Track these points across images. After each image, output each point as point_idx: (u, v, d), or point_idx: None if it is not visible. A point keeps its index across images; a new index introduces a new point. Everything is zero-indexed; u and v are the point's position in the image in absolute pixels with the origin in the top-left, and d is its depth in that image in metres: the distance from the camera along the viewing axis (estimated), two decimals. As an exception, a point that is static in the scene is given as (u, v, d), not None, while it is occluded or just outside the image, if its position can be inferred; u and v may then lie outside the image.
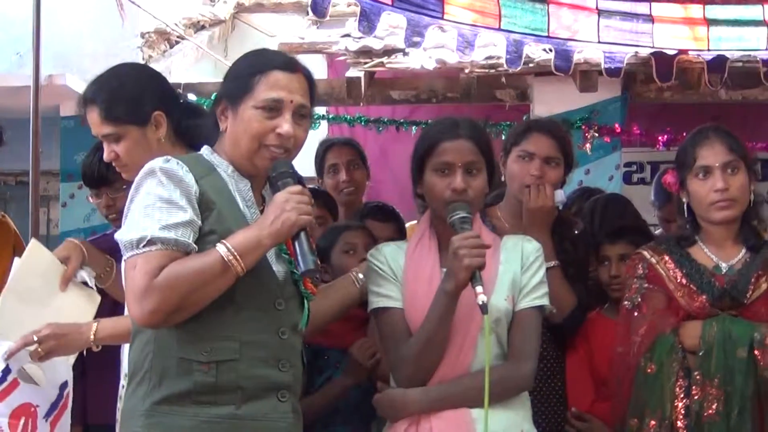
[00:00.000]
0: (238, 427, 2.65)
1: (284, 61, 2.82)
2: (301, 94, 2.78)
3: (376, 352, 3.65)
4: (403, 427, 3.06)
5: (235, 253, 2.58)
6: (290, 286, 2.79)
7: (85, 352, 3.44)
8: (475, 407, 2.99)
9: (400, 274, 3.15)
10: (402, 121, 6.81)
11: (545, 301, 3.17)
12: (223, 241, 2.60)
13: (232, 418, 2.64)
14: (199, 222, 2.64)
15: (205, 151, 2.82)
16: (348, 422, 3.75)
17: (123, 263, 2.68)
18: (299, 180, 2.79)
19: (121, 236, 2.64)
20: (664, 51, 5.82)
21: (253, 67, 2.78)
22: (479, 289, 2.88)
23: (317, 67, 7.54)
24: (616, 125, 6.40)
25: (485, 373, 2.87)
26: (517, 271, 3.15)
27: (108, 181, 3.90)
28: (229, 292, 2.63)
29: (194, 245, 2.62)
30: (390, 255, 3.19)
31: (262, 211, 2.76)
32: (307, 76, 2.84)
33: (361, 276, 3.16)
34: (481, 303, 2.86)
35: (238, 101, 2.74)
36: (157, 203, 2.60)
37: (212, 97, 2.96)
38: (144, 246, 2.57)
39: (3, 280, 3.56)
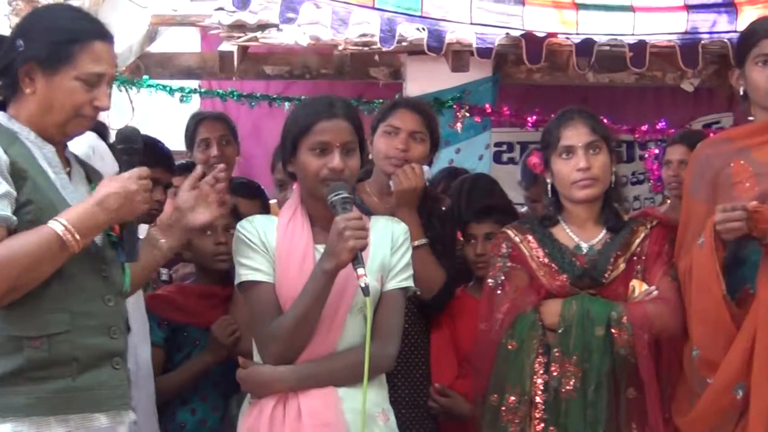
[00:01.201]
0: (75, 399, 2.58)
1: (102, 29, 2.74)
2: (114, 64, 2.76)
3: (236, 330, 3.61)
4: (270, 404, 3.01)
5: (73, 231, 2.50)
6: (109, 251, 2.72)
7: None
8: (342, 386, 2.99)
9: (271, 248, 3.09)
10: (275, 96, 6.73)
11: (410, 283, 3.18)
12: (56, 218, 2.52)
13: (68, 391, 2.57)
14: (15, 193, 2.54)
15: (2, 117, 2.69)
16: (206, 399, 3.71)
17: None
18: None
19: None
20: (534, 33, 5.88)
21: (70, 33, 2.66)
22: (361, 271, 2.87)
23: (190, 40, 7.41)
24: (487, 105, 6.43)
25: (365, 352, 2.86)
26: (387, 253, 3.14)
27: None
28: None
29: (14, 218, 2.52)
30: (261, 227, 3.13)
31: (68, 173, 2.70)
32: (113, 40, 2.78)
33: (162, 241, 2.96)
34: (363, 285, 2.85)
35: (54, 69, 2.63)
36: None
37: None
38: None
39: None
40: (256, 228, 3.12)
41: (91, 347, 2.60)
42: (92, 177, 2.80)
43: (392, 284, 3.12)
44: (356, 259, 2.89)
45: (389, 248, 3.15)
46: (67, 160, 2.75)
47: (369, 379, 2.91)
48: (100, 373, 2.62)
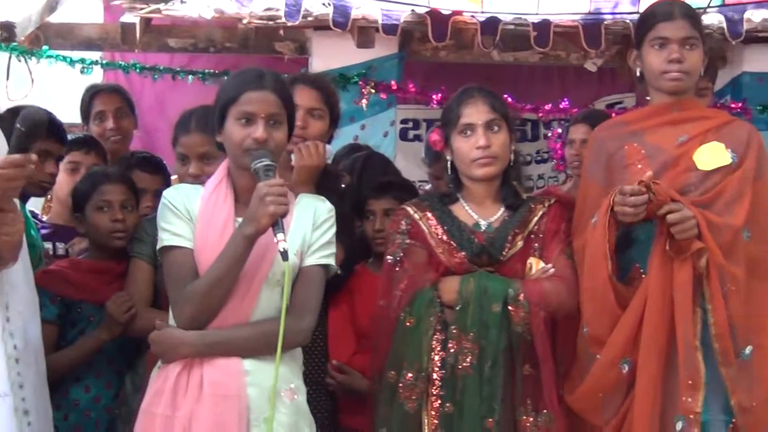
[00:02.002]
0: None
1: None
2: None
3: (131, 306, 3.56)
4: (175, 371, 3.00)
5: None
6: None
7: None
8: (250, 357, 2.98)
9: (194, 215, 3.10)
10: (179, 70, 6.62)
11: (331, 261, 3.18)
12: None
13: None
14: None
15: None
16: (101, 376, 3.66)
17: None
18: None
19: None
20: (439, 11, 5.89)
21: None
22: (281, 236, 2.89)
23: (93, 10, 7.25)
24: (393, 82, 6.43)
25: (281, 322, 2.87)
26: (308, 230, 3.14)
27: None
28: None
29: None
30: (186, 195, 3.15)
31: None
32: None
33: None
34: (282, 250, 2.87)
35: None
36: None
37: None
38: None
39: None
40: (180, 195, 3.15)
41: None
42: None
43: (311, 260, 3.13)
44: (276, 225, 2.90)
45: (311, 224, 3.15)
46: None
47: (281, 353, 2.92)
48: None
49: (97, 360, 3.67)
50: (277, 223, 2.90)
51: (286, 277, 2.92)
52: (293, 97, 3.64)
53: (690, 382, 3.20)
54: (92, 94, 5.15)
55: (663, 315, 3.23)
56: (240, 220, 3.03)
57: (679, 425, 3.21)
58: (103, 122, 5.05)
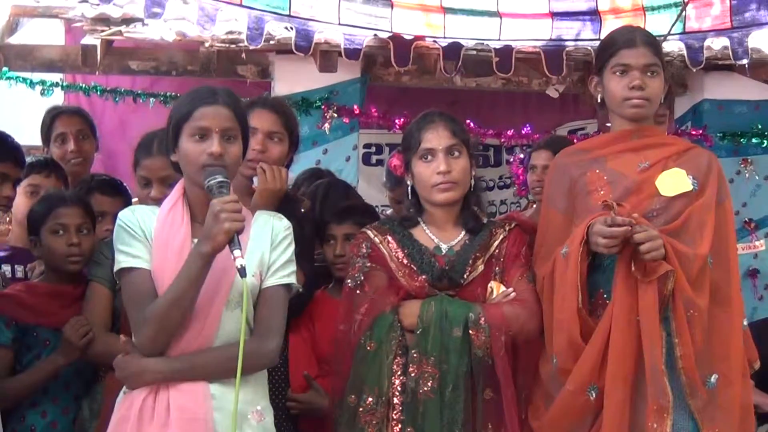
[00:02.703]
0: None
1: None
2: None
3: (89, 330, 3.54)
4: (141, 396, 2.97)
5: None
6: None
7: None
8: (215, 382, 2.97)
9: (150, 236, 3.07)
10: (140, 92, 6.60)
11: (293, 280, 3.16)
12: None
13: None
14: None
15: None
16: (57, 401, 3.63)
17: None
18: None
19: None
20: (401, 36, 5.92)
21: None
22: (237, 252, 2.87)
23: (54, 32, 7.22)
24: (355, 106, 6.43)
25: (240, 343, 2.84)
26: (266, 249, 3.13)
27: None
28: None
29: None
30: (141, 216, 3.12)
31: None
32: None
33: None
34: (239, 266, 2.85)
35: None
36: None
37: None
38: None
39: None
40: (136, 217, 3.12)
41: None
42: None
43: (272, 280, 3.12)
44: (232, 242, 2.88)
45: (269, 244, 3.14)
46: None
47: (246, 376, 2.92)
48: None
49: (54, 385, 3.63)
50: (233, 239, 2.88)
51: (245, 294, 2.90)
52: (251, 120, 3.65)
53: (656, 407, 3.21)
54: (53, 115, 5.12)
55: (629, 339, 3.24)
56: (196, 240, 3.01)
57: None
58: (64, 144, 5.03)
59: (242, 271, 2.85)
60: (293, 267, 3.17)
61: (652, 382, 3.22)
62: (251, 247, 3.07)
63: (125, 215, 3.13)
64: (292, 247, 3.19)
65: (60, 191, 4.25)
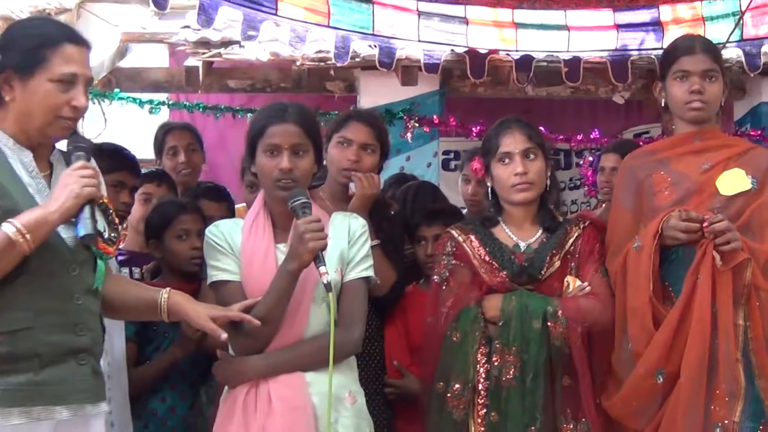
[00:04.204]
0: (37, 392, 2.55)
1: (72, 33, 2.69)
2: (89, 67, 2.71)
3: (203, 325, 3.59)
4: (243, 391, 3.02)
5: (24, 231, 2.47)
6: (82, 250, 2.67)
7: None
8: (309, 371, 3.00)
9: (237, 249, 3.12)
10: (238, 108, 6.71)
11: (370, 273, 3.20)
12: (10, 220, 2.49)
13: (30, 385, 2.53)
14: None
15: None
16: (176, 388, 3.70)
17: None
18: (92, 149, 2.72)
19: None
20: (476, 50, 5.92)
21: (41, 38, 2.62)
22: (323, 269, 2.90)
23: (159, 56, 7.36)
24: (435, 117, 6.46)
25: (330, 341, 2.88)
26: (345, 246, 3.16)
27: None
28: (21, 263, 2.52)
29: None
30: (227, 231, 3.16)
31: (48, 177, 2.67)
32: (90, 47, 2.74)
33: (165, 303, 2.94)
34: (326, 282, 2.89)
35: (29, 74, 2.59)
36: None
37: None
38: None
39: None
40: (222, 232, 3.16)
41: (54, 344, 2.56)
42: None
43: (353, 275, 3.15)
44: (317, 259, 2.92)
45: (347, 241, 3.17)
46: (50, 163, 2.71)
47: (336, 363, 2.95)
48: (63, 368, 2.58)
49: (173, 374, 3.71)
50: (317, 256, 2.92)
51: (332, 305, 2.94)
52: (347, 132, 3.68)
53: (729, 392, 3.19)
54: (165, 131, 5.23)
55: (705, 328, 3.21)
56: (280, 246, 3.06)
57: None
58: (175, 157, 5.12)
59: (328, 286, 2.90)
60: (371, 261, 3.21)
61: (726, 369, 3.19)
62: (331, 246, 3.09)
63: (211, 231, 3.18)
64: (369, 243, 3.23)
65: (176, 199, 4.34)
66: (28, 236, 2.47)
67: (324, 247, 2.94)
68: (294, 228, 2.95)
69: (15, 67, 2.59)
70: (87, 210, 2.58)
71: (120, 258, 4.38)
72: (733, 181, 3.38)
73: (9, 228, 2.47)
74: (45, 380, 2.54)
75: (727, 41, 5.97)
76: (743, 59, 6.13)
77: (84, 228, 2.58)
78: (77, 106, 2.63)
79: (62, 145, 2.81)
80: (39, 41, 2.61)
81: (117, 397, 3.21)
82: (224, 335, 2.89)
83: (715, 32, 5.98)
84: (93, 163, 2.69)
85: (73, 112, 2.63)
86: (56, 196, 2.55)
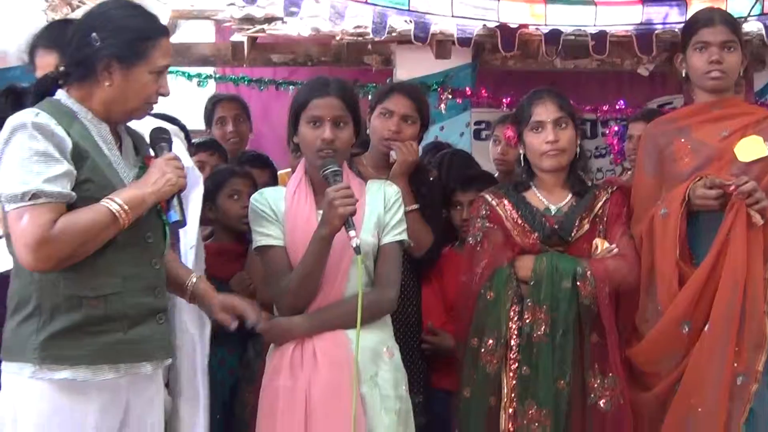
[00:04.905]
0: (125, 350, 2.61)
1: (165, 26, 2.75)
2: None
3: (251, 283, 3.63)
4: (290, 348, 3.07)
5: (126, 208, 2.54)
6: (154, 217, 2.71)
7: None
8: (350, 329, 3.03)
9: (281, 215, 3.15)
10: (281, 81, 6.71)
11: (405, 237, 3.22)
12: (113, 197, 2.54)
13: (120, 344, 2.60)
14: (75, 172, 2.54)
15: (62, 96, 2.66)
16: (225, 344, 3.73)
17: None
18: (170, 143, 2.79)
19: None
20: (507, 25, 5.89)
21: (143, 32, 2.64)
22: (352, 233, 2.92)
23: (206, 31, 7.37)
24: (467, 89, 6.41)
25: (359, 301, 2.92)
26: (381, 212, 3.18)
27: None
28: None
29: (74, 194, 2.53)
30: (271, 198, 3.19)
31: (120, 147, 2.71)
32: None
33: (192, 287, 2.96)
34: (355, 245, 2.91)
35: (131, 64, 2.62)
36: (33, 156, 2.48)
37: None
38: (30, 199, 2.45)
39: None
40: (266, 199, 3.20)
41: (139, 305, 2.63)
42: (139, 147, 2.80)
43: (388, 238, 3.18)
44: (347, 224, 2.94)
45: (383, 207, 3.19)
46: (118, 134, 2.75)
47: (373, 321, 3.05)
48: (146, 327, 2.65)
49: (221, 330, 3.74)
50: (347, 221, 2.94)
51: (359, 267, 2.97)
52: (388, 103, 3.68)
53: (755, 343, 3.20)
54: (214, 102, 5.27)
55: (735, 283, 3.20)
56: (321, 212, 3.07)
57: (739, 380, 3.20)
58: (224, 126, 5.15)
59: (357, 250, 2.92)
60: (404, 225, 3.23)
61: (752, 320, 3.19)
62: (368, 212, 3.15)
63: (256, 199, 3.22)
64: (402, 208, 3.25)
65: (229, 165, 4.36)
66: (129, 212, 2.54)
67: (353, 213, 2.96)
68: (325, 195, 2.98)
69: (119, 57, 2.61)
70: (176, 198, 2.69)
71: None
72: (751, 148, 3.36)
73: (113, 205, 2.53)
74: (132, 339, 2.62)
75: (749, 15, 5.91)
76: (764, 32, 6.05)
77: (175, 214, 2.68)
78: (164, 94, 2.69)
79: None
80: (142, 35, 2.63)
81: (187, 350, 3.25)
82: (234, 324, 2.94)
83: (737, 6, 5.91)
84: (173, 153, 2.77)
85: (157, 99, 2.70)
86: (153, 180, 2.63)
